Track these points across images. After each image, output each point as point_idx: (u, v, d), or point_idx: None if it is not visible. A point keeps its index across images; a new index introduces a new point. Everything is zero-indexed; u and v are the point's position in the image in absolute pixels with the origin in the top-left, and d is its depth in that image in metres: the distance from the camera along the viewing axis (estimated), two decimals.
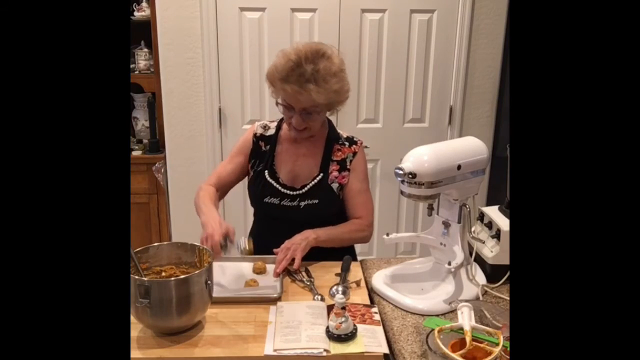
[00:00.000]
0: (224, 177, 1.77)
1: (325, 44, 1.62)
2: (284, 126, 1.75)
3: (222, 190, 1.78)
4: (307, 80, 1.52)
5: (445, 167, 1.38)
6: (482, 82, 3.01)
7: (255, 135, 1.76)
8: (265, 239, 1.75)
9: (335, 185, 1.70)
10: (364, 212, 1.72)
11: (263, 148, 1.75)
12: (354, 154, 1.73)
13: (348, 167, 1.72)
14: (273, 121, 1.80)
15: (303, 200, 1.68)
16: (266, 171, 1.71)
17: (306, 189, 1.68)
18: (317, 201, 1.68)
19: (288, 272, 1.59)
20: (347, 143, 1.74)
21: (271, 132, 1.77)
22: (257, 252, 1.67)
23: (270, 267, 1.60)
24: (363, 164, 1.75)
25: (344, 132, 1.78)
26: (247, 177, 1.80)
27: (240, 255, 1.60)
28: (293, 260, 1.56)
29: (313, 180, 1.69)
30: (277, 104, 1.64)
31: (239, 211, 2.93)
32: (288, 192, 1.69)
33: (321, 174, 1.70)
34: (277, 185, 1.70)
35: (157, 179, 2.95)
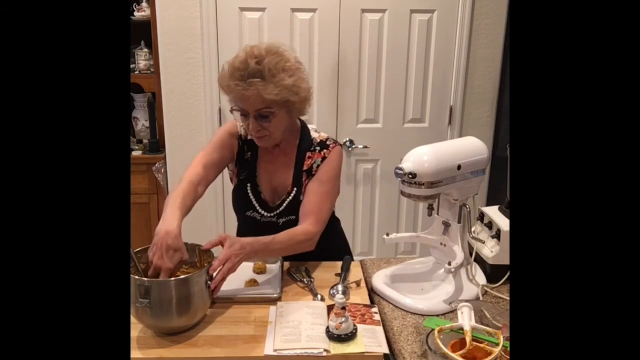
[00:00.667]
0: (209, 173, 1.60)
1: (283, 45, 1.51)
2: None
3: (206, 185, 1.59)
4: (251, 75, 1.41)
5: (445, 167, 1.38)
6: (482, 82, 3.01)
7: (240, 137, 1.65)
8: None
9: None
10: (311, 217, 1.54)
11: (246, 155, 1.65)
12: (323, 158, 1.60)
13: (313, 172, 1.60)
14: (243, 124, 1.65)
15: (281, 217, 1.62)
16: (249, 184, 1.63)
17: (282, 207, 1.62)
18: (294, 217, 1.60)
19: (288, 272, 1.59)
20: (318, 148, 1.61)
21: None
22: None
23: (270, 267, 1.60)
24: (330, 167, 1.59)
25: (319, 135, 1.65)
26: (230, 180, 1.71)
27: None
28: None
29: (288, 196, 1.61)
30: (231, 110, 1.53)
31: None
32: (266, 211, 1.63)
33: (295, 189, 1.61)
34: (256, 203, 1.63)
35: (157, 179, 2.95)
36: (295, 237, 1.51)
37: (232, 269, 1.37)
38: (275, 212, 1.63)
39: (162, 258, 1.29)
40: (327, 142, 1.63)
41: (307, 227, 1.53)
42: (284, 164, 1.62)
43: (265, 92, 1.42)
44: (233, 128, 1.66)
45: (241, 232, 1.77)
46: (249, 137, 1.64)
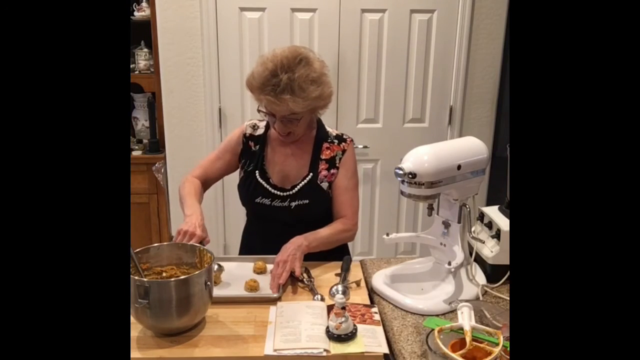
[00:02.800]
0: (210, 173, 1.78)
1: (305, 48, 1.60)
2: None
3: (206, 185, 1.78)
4: (283, 91, 1.50)
5: (445, 167, 1.37)
6: (482, 82, 3.01)
7: (244, 135, 1.75)
8: (257, 239, 1.76)
9: (325, 185, 1.69)
10: (349, 211, 1.70)
11: (253, 148, 1.74)
12: (344, 151, 1.71)
13: (337, 164, 1.70)
14: (262, 120, 1.77)
15: (294, 201, 1.67)
16: (257, 171, 1.70)
17: (296, 189, 1.67)
18: (307, 201, 1.67)
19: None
20: (336, 141, 1.73)
21: (260, 131, 1.75)
22: (253, 253, 1.70)
23: (270, 267, 1.60)
24: (352, 161, 1.73)
25: (333, 130, 1.77)
26: (238, 177, 1.79)
27: None
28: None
29: (303, 180, 1.68)
30: (258, 110, 1.63)
31: (239, 211, 2.93)
32: (278, 192, 1.68)
33: (310, 174, 1.68)
34: (268, 186, 1.69)
35: (157, 179, 2.95)
36: (337, 227, 1.67)
37: (292, 267, 1.51)
38: (288, 193, 1.68)
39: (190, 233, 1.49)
40: (344, 136, 1.75)
41: (346, 220, 1.70)
42: (298, 152, 1.71)
43: (293, 106, 1.52)
44: (238, 132, 1.78)
45: (250, 224, 1.83)
46: (257, 134, 1.75)
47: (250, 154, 1.74)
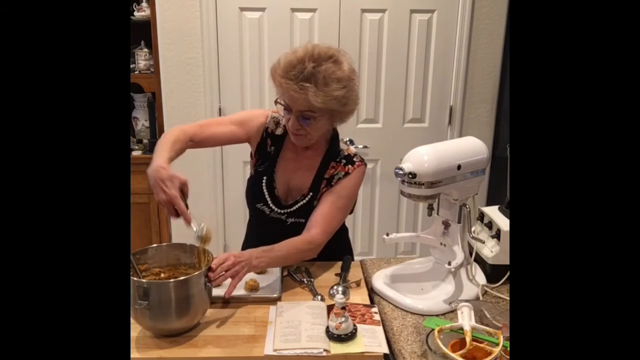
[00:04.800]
0: (210, 135, 1.61)
1: (341, 51, 1.52)
2: None
3: (198, 144, 1.61)
4: (306, 79, 1.42)
5: (445, 167, 1.37)
6: (482, 82, 3.01)
7: (266, 129, 1.65)
8: (257, 238, 1.74)
9: None
10: (320, 227, 1.54)
11: (268, 148, 1.65)
12: (346, 174, 1.59)
13: (333, 183, 1.59)
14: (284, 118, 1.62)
15: (290, 217, 1.61)
16: (265, 177, 1.63)
17: (294, 208, 1.60)
18: (303, 220, 1.58)
19: (288, 272, 1.59)
20: (344, 161, 1.61)
21: (280, 131, 1.65)
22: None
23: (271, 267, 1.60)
24: (351, 183, 1.60)
25: (348, 149, 1.65)
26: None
27: (196, 241, 1.41)
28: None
29: (303, 199, 1.60)
30: (276, 102, 1.53)
31: (239, 211, 2.94)
32: (276, 208, 1.62)
33: (311, 194, 1.60)
34: (269, 198, 1.62)
35: None
36: (297, 246, 1.52)
37: (236, 274, 1.37)
38: (285, 211, 1.62)
39: (164, 191, 1.34)
40: (354, 159, 1.63)
41: (314, 236, 1.53)
42: (306, 167, 1.62)
43: (314, 99, 1.43)
44: (262, 117, 1.67)
45: (250, 225, 1.80)
46: (277, 133, 1.65)
47: (265, 153, 1.65)
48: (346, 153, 1.63)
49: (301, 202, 1.60)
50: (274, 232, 1.57)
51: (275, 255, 1.48)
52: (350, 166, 1.61)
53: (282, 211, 1.62)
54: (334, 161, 1.61)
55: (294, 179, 1.63)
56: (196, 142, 1.59)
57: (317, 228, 1.54)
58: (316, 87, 1.42)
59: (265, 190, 1.63)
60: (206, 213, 2.95)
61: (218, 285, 1.36)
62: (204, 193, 2.97)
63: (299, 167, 1.63)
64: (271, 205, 1.63)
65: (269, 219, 1.64)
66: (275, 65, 1.49)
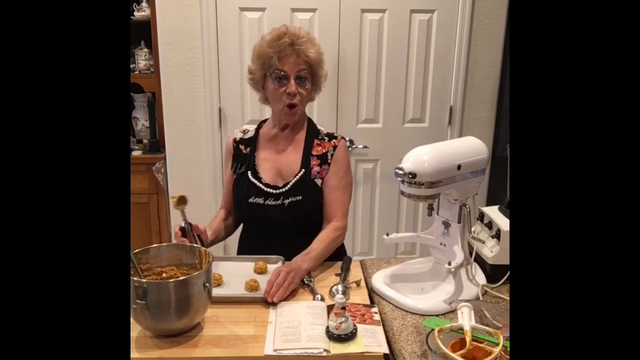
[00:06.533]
0: (230, 197, 1.79)
1: None
2: (264, 126, 1.78)
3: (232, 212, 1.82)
4: (298, 36, 1.61)
5: (445, 167, 1.37)
6: (482, 82, 3.01)
7: (235, 140, 1.78)
8: (252, 241, 1.76)
9: (318, 181, 1.69)
10: (339, 213, 1.69)
11: (244, 151, 1.76)
12: (334, 147, 1.72)
13: (329, 160, 1.71)
14: (252, 124, 1.82)
15: (287, 198, 1.67)
16: (249, 172, 1.71)
17: (289, 186, 1.68)
18: (300, 197, 1.66)
19: None
20: (327, 138, 1.74)
21: (250, 134, 1.78)
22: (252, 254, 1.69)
23: (271, 267, 1.60)
24: (344, 159, 1.73)
25: (324, 129, 1.78)
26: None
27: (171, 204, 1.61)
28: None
29: (295, 176, 1.68)
30: (268, 75, 1.64)
31: None
32: (271, 190, 1.68)
33: (303, 170, 1.69)
34: (261, 185, 1.69)
35: (157, 179, 2.95)
36: (329, 236, 1.64)
37: (292, 281, 1.46)
38: (281, 191, 1.68)
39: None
40: (334, 134, 1.77)
41: (337, 223, 1.67)
42: (292, 148, 1.73)
43: (308, 50, 1.60)
44: (230, 141, 1.81)
45: (245, 230, 1.83)
46: (247, 136, 1.78)
47: (241, 157, 1.76)
48: (325, 132, 1.77)
49: (294, 179, 1.69)
50: (273, 221, 1.67)
51: (316, 252, 1.58)
52: (334, 140, 1.75)
53: (278, 192, 1.68)
54: (317, 138, 1.74)
55: (280, 163, 1.72)
56: (229, 210, 1.83)
57: (335, 216, 1.68)
58: (308, 42, 1.62)
59: (254, 180, 1.70)
60: (206, 213, 2.95)
61: (280, 300, 1.43)
62: (204, 193, 2.98)
63: (282, 149, 1.74)
64: (265, 190, 1.69)
65: (265, 209, 1.68)
66: (258, 46, 1.64)
